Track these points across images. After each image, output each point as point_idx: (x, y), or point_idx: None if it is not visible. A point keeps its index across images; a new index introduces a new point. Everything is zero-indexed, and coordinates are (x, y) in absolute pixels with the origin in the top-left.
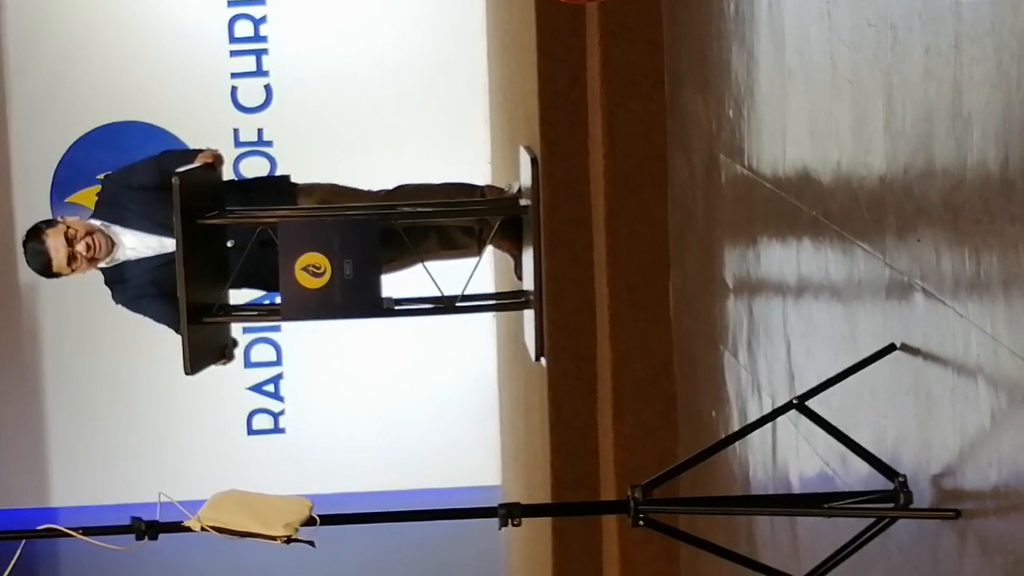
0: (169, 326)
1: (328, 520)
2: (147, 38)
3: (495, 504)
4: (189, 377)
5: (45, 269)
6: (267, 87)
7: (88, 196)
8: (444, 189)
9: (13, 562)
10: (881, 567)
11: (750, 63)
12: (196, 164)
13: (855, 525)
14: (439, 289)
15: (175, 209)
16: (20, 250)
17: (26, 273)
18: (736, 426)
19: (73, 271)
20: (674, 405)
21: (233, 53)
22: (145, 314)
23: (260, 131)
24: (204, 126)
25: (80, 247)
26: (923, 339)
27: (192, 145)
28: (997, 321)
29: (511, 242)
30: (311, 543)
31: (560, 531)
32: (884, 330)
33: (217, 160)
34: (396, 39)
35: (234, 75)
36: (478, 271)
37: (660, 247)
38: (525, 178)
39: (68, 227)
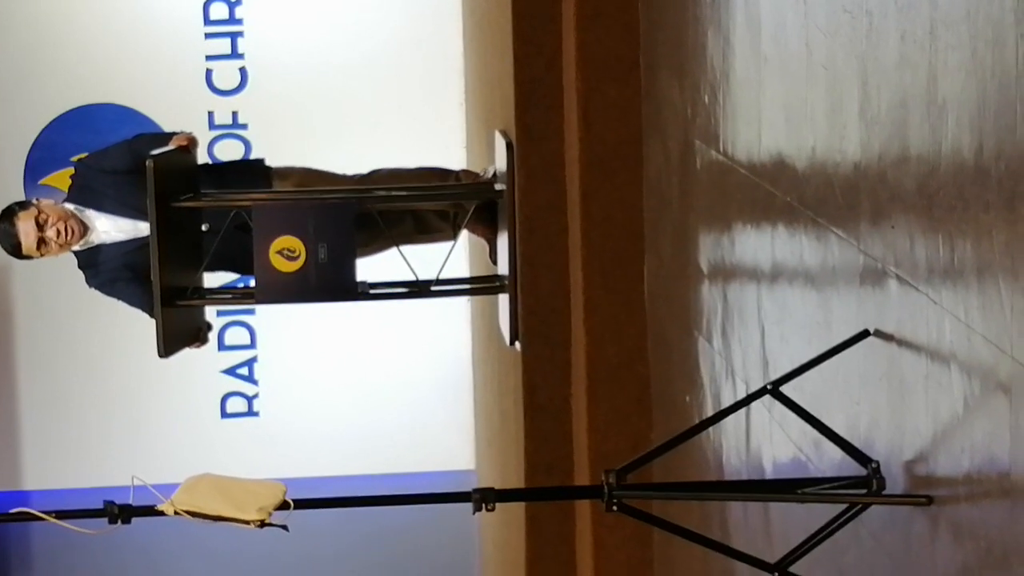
0: (143, 310)
1: (302, 504)
2: (121, 20)
3: (469, 489)
4: (163, 360)
5: (14, 251)
6: (242, 70)
7: (61, 178)
8: (419, 173)
9: None
10: (854, 552)
11: (726, 49)
12: (170, 147)
13: (828, 511)
14: (414, 273)
15: (149, 192)
16: None
17: None
18: (710, 411)
19: (42, 255)
20: (648, 390)
21: (208, 35)
22: (119, 298)
23: (235, 114)
24: (178, 109)
25: (51, 232)
26: (897, 325)
27: (166, 128)
28: (971, 308)
29: (486, 226)
30: (284, 527)
31: (533, 516)
32: (858, 316)
33: (191, 143)
34: (371, 22)
35: (209, 57)
36: (453, 255)
37: (635, 232)
38: (500, 163)
39: (40, 211)
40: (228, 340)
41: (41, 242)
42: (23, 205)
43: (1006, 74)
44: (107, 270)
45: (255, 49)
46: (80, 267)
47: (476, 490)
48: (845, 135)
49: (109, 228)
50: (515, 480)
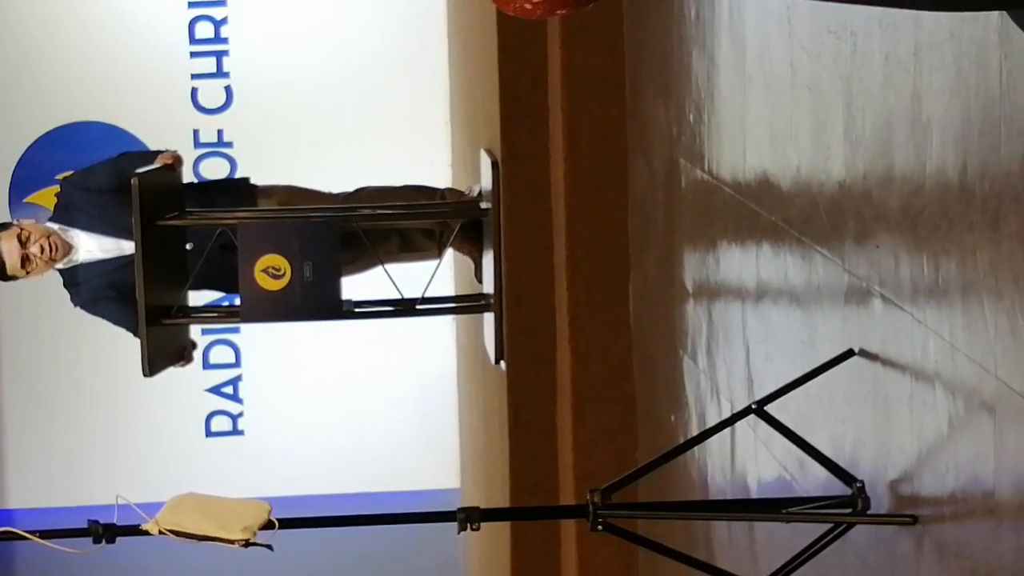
0: (127, 329)
1: (286, 524)
2: (107, 39)
3: (454, 508)
4: (147, 379)
5: (0, 273)
6: (227, 88)
7: (47, 196)
8: (404, 191)
9: None
10: (838, 572)
11: (711, 68)
12: (155, 165)
13: (813, 530)
14: (399, 291)
15: (134, 210)
16: None
17: None
18: (695, 430)
19: (28, 273)
20: (633, 409)
21: (193, 54)
22: (103, 317)
23: (220, 132)
24: (164, 127)
25: (34, 249)
26: (881, 345)
27: (152, 146)
28: (955, 327)
29: (471, 245)
30: (269, 547)
31: (519, 535)
32: (843, 335)
33: (176, 161)
34: (357, 41)
35: (194, 76)
36: (438, 274)
37: (620, 251)
38: (486, 181)
39: (22, 229)
40: (213, 359)
41: (25, 259)
42: (3, 227)
43: (990, 94)
44: (91, 289)
45: (240, 68)
46: (65, 286)
47: (461, 509)
48: (830, 155)
49: (93, 247)
50: (500, 499)
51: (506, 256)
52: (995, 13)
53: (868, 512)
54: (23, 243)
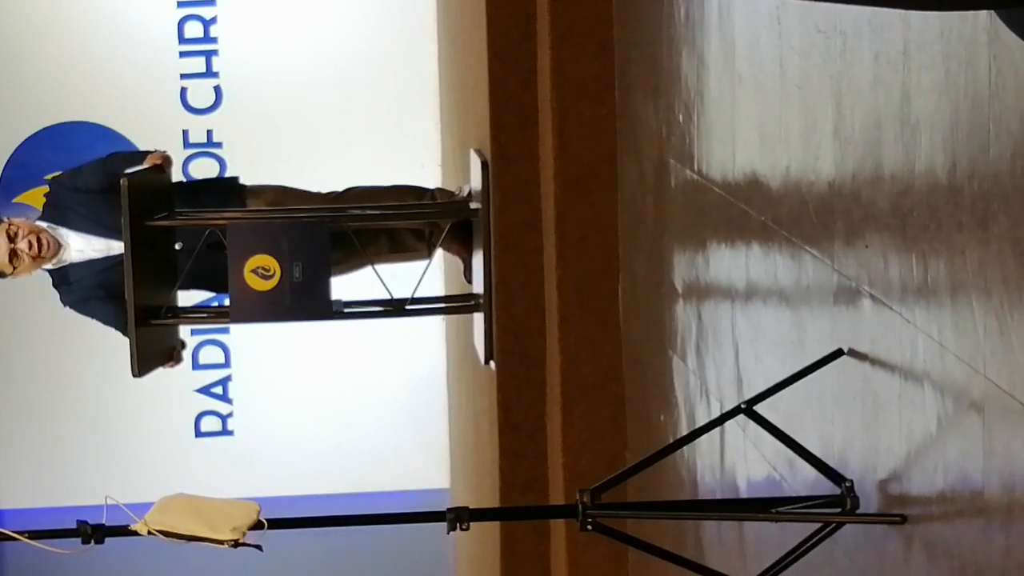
0: (117, 329)
1: (276, 524)
2: (96, 38)
3: (443, 508)
4: (137, 379)
5: None
6: (217, 88)
7: (35, 196)
8: (394, 192)
9: None
10: (827, 572)
11: (700, 68)
12: (145, 165)
13: (802, 530)
14: (389, 292)
15: (123, 211)
16: None
17: None
18: (684, 430)
19: (15, 269)
20: (623, 409)
21: (183, 54)
22: (93, 316)
23: (209, 132)
24: (153, 127)
25: (22, 245)
26: (870, 344)
27: (141, 146)
28: (944, 327)
29: (461, 245)
30: (259, 547)
31: (508, 534)
32: (832, 335)
33: (166, 161)
34: (347, 41)
35: (183, 76)
36: (428, 274)
37: (610, 251)
38: (475, 181)
39: (10, 225)
40: (202, 359)
41: (13, 255)
42: None
43: (979, 94)
44: (80, 288)
45: (230, 68)
46: (54, 285)
47: (450, 509)
48: (819, 154)
49: (83, 247)
50: (490, 499)
51: (496, 256)
52: (984, 12)
53: (857, 511)
54: (12, 239)
